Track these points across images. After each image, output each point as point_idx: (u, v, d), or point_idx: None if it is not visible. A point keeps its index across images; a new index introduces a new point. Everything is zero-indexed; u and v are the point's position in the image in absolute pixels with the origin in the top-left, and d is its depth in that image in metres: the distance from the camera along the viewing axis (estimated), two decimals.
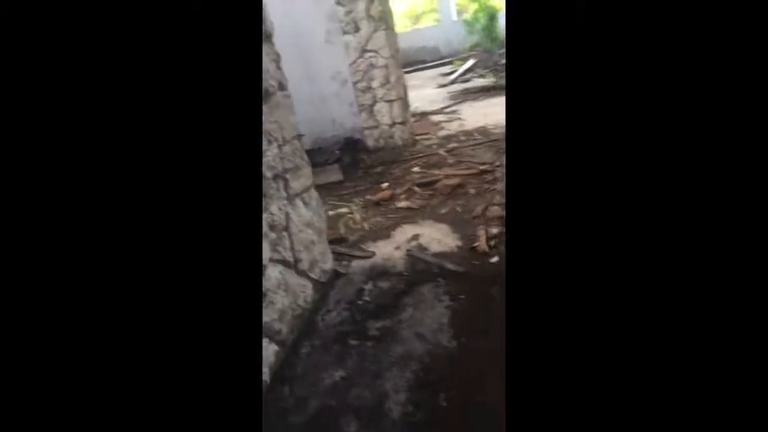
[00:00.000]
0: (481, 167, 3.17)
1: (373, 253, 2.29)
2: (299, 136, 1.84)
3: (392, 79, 3.94)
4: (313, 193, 1.96)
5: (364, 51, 3.85)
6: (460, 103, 5.90)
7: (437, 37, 11.45)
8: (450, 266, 2.01)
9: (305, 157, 1.88)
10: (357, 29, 3.77)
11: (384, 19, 3.74)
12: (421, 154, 3.86)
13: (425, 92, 7.27)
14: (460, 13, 11.83)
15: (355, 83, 4.00)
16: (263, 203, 1.51)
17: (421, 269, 2.07)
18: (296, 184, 1.79)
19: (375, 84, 3.98)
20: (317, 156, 3.94)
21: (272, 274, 1.55)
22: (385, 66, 3.89)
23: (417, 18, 15.23)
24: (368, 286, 2.00)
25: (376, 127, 4.17)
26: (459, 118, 5.05)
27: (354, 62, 3.91)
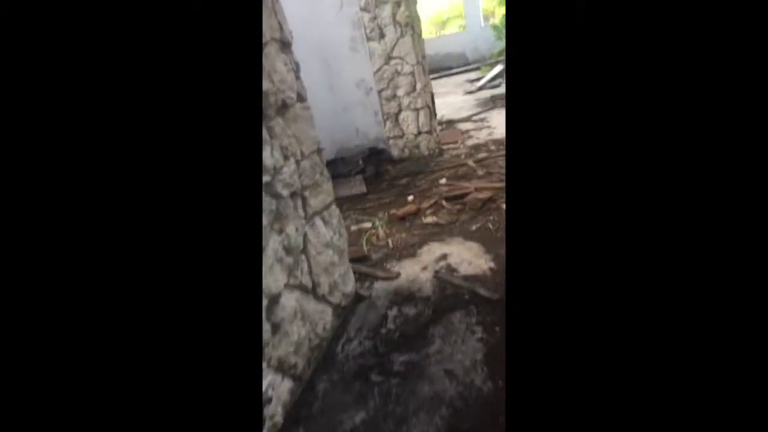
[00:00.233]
0: None
1: (398, 274, 2.13)
2: (319, 150, 1.71)
3: (418, 86, 3.79)
4: (334, 210, 1.82)
5: (389, 58, 3.71)
6: (488, 110, 5.70)
7: (464, 43, 11.26)
8: (482, 292, 1.83)
9: (326, 172, 1.75)
10: (382, 35, 3.63)
11: (410, 25, 3.59)
12: (448, 165, 3.68)
13: (452, 99, 7.08)
14: (486, 18, 11.63)
15: (380, 91, 3.87)
16: (279, 225, 1.38)
17: (450, 294, 1.89)
18: (315, 202, 1.65)
19: (400, 92, 3.83)
20: (340, 166, 3.82)
21: (287, 302, 1.41)
22: (411, 73, 3.74)
23: (443, 24, 15.08)
24: (393, 312, 1.84)
25: (401, 136, 4.03)
26: (488, 126, 4.85)
27: (379, 69, 3.78)
